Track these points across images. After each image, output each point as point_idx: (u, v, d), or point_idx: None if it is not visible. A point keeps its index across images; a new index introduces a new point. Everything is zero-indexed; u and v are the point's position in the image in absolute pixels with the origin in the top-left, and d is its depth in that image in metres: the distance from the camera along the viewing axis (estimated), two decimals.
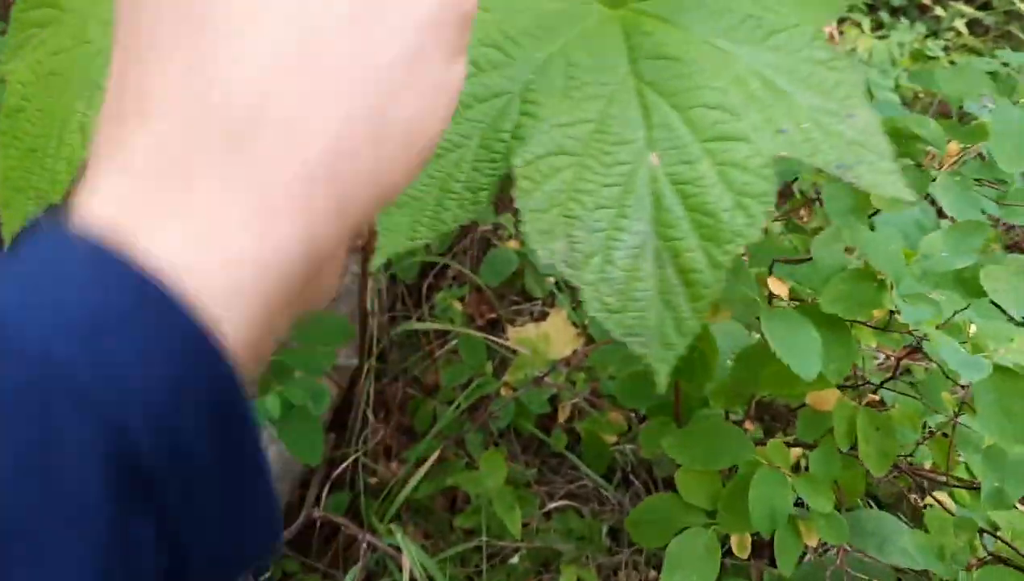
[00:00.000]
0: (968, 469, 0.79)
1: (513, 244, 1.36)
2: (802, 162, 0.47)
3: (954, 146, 0.70)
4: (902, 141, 0.70)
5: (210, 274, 0.22)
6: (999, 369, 0.60)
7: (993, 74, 1.81)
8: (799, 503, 0.73)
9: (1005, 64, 1.83)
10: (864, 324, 0.69)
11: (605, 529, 1.25)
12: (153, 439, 0.21)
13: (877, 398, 0.72)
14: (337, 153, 0.25)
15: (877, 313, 0.70)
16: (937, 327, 0.69)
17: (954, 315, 0.69)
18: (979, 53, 2.00)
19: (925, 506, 0.85)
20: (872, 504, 1.01)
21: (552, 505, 1.24)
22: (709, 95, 0.49)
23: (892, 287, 0.63)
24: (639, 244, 0.48)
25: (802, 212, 0.77)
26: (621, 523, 1.27)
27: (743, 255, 0.79)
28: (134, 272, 0.21)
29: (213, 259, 0.23)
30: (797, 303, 0.77)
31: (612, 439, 1.26)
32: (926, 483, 0.86)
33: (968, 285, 0.70)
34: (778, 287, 0.68)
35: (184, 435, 0.21)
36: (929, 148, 0.71)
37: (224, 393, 0.22)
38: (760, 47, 0.50)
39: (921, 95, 1.74)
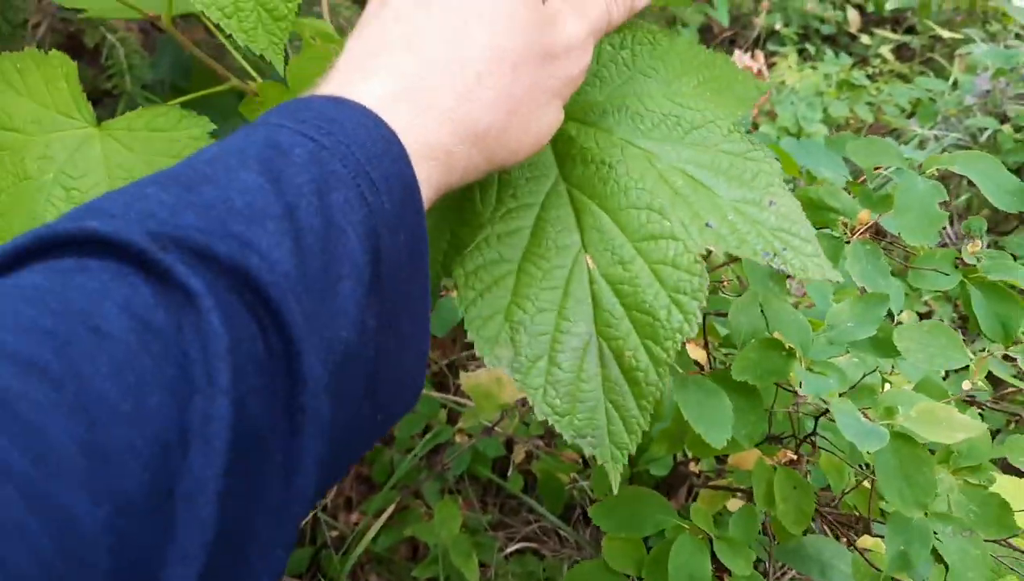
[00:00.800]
0: None
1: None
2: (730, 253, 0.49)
3: (865, 214, 0.73)
4: (816, 211, 0.74)
5: (422, 152, 0.39)
6: (899, 436, 0.63)
7: (917, 101, 1.87)
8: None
9: (929, 90, 1.90)
10: (781, 387, 0.72)
11: (565, 568, 1.27)
12: (387, 240, 0.35)
13: (796, 457, 0.75)
14: (497, 133, 0.42)
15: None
16: (850, 389, 0.72)
17: (864, 377, 0.72)
18: (905, 79, 2.06)
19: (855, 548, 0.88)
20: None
21: (511, 548, 1.26)
22: (637, 196, 0.51)
23: (800, 358, 0.66)
24: (582, 345, 0.49)
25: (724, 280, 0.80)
26: (581, 561, 1.29)
27: None
28: (388, 132, 0.37)
29: (426, 147, 0.39)
30: (722, 357, 0.80)
31: (568, 478, 1.28)
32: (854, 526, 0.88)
33: (882, 345, 0.73)
34: (696, 352, 0.71)
35: (397, 252, 0.36)
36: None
37: (420, 228, 0.38)
38: (680, 144, 0.52)
39: (851, 120, 1.79)
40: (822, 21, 2.33)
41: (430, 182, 0.39)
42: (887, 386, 0.74)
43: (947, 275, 0.71)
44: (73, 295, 0.27)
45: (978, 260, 0.75)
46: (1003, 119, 1.58)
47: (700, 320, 0.48)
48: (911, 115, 1.83)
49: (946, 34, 2.09)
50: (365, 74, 0.39)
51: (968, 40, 2.03)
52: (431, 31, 0.40)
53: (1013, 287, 0.73)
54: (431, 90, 0.39)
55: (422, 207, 0.38)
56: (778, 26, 2.23)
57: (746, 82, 0.56)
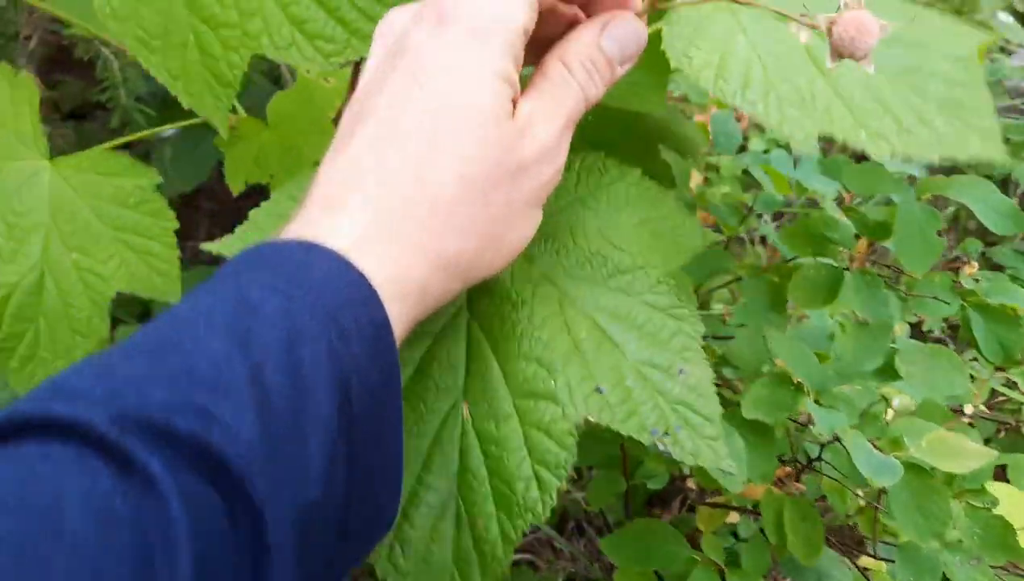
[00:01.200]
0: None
1: None
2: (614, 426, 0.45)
3: (863, 244, 0.74)
4: (814, 241, 0.74)
5: (393, 289, 0.38)
6: (912, 467, 0.64)
7: None
8: None
9: None
10: (791, 420, 0.72)
11: (560, 580, 1.27)
12: (358, 386, 0.35)
13: (803, 487, 0.75)
14: (471, 256, 0.41)
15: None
16: (857, 418, 0.72)
17: (870, 407, 0.73)
18: None
19: (859, 568, 0.89)
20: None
21: None
22: (531, 345, 0.47)
23: (808, 391, 0.66)
24: (440, 503, 0.46)
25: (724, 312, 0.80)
26: (576, 574, 1.30)
27: None
28: (357, 276, 0.37)
29: (398, 283, 0.39)
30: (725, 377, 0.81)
31: (563, 488, 1.27)
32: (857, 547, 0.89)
33: (885, 370, 0.74)
34: None
35: (369, 394, 0.36)
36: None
37: (392, 368, 0.38)
38: (601, 287, 0.49)
39: None
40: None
41: (402, 318, 0.39)
42: (890, 412, 0.75)
43: (948, 304, 0.72)
44: (32, 490, 0.27)
45: (976, 281, 0.76)
46: None
47: (555, 503, 0.45)
48: None
49: None
50: (336, 211, 0.39)
51: None
52: (400, 162, 0.40)
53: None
54: (401, 225, 0.39)
55: (394, 346, 0.38)
56: None
57: (691, 230, 0.52)
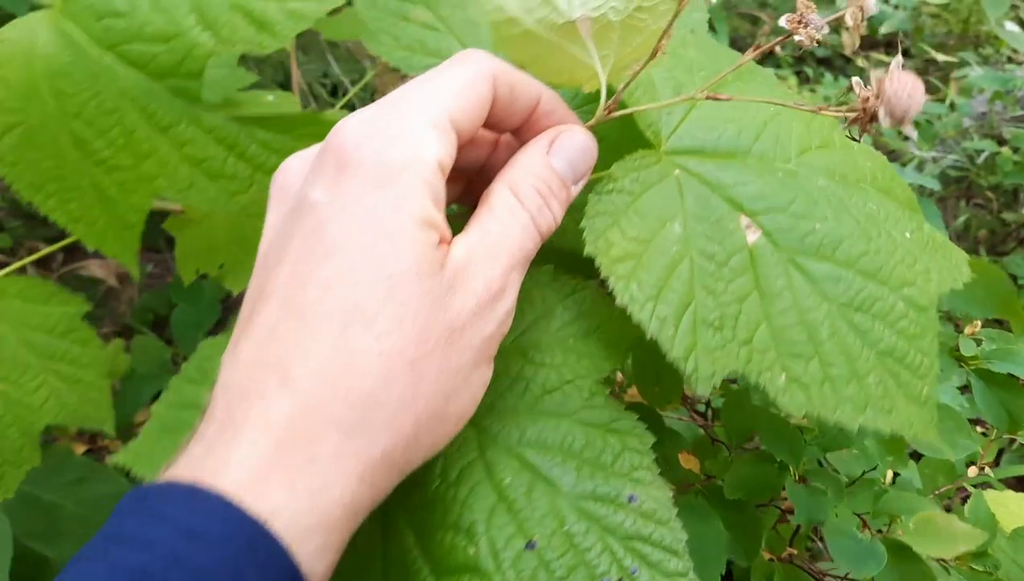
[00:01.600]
0: None
1: None
2: None
3: None
4: None
5: (310, 523, 0.31)
6: (900, 550, 0.61)
7: (915, 123, 1.84)
8: None
9: (926, 112, 1.86)
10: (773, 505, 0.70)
11: None
12: None
13: (794, 551, 0.73)
14: (404, 448, 0.34)
15: None
16: (849, 484, 0.70)
17: (863, 475, 0.70)
18: None
19: None
20: None
21: None
22: (448, 509, 0.40)
23: (793, 472, 0.64)
24: None
25: None
26: None
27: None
28: (253, 530, 0.30)
29: (315, 515, 0.31)
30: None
31: None
32: None
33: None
34: (689, 462, 0.69)
35: None
36: None
37: None
38: (526, 415, 0.42)
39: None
40: (817, 43, 2.30)
41: (327, 549, 0.32)
42: (889, 473, 0.72)
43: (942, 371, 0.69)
44: None
45: (977, 343, 0.73)
46: (999, 141, 1.55)
47: None
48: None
49: (940, 57, 2.05)
50: (235, 431, 0.32)
51: (963, 63, 2.00)
52: (307, 349, 0.33)
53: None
54: (314, 437, 0.32)
55: None
56: (777, 49, 2.19)
57: (621, 325, 0.44)
